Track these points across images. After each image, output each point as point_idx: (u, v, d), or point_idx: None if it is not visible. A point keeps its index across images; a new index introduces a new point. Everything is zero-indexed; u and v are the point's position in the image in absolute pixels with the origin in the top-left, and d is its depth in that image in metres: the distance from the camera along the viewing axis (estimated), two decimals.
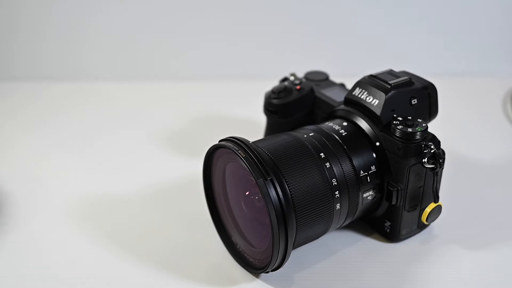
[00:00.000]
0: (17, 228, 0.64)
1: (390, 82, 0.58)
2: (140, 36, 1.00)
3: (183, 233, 0.63)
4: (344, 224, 0.58)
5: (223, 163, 0.58)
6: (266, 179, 0.50)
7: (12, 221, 0.65)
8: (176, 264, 0.59)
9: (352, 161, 0.56)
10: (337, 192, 0.55)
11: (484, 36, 1.02)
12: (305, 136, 0.57)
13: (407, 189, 0.57)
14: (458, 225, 0.63)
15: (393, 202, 0.57)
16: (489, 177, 0.72)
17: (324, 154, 0.55)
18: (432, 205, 0.58)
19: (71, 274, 0.58)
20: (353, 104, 0.61)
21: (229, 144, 0.54)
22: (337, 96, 0.66)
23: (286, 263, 0.53)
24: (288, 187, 0.52)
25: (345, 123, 0.60)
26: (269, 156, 0.53)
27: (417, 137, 0.55)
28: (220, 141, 0.56)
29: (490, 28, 1.01)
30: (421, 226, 0.61)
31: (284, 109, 0.68)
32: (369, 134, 0.58)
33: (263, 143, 0.56)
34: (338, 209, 0.55)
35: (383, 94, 0.58)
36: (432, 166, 0.56)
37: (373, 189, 0.58)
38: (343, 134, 0.58)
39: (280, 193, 0.50)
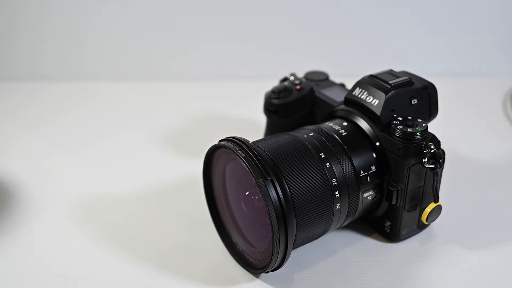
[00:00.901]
0: (17, 228, 0.64)
1: (390, 82, 0.58)
2: (140, 36, 1.00)
3: (183, 233, 0.63)
4: (344, 224, 0.58)
5: (223, 163, 0.58)
6: (266, 179, 0.50)
7: (12, 220, 0.65)
8: (176, 264, 0.59)
9: (352, 161, 0.56)
10: (337, 192, 0.55)
11: (484, 36, 1.02)
12: (305, 136, 0.57)
13: (407, 189, 0.57)
14: (458, 225, 0.63)
15: (393, 202, 0.57)
16: (489, 177, 0.72)
17: (324, 154, 0.55)
18: (432, 205, 0.58)
19: (71, 274, 0.58)
20: (353, 104, 0.61)
21: (229, 144, 0.54)
22: (337, 96, 0.66)
23: (286, 263, 0.53)
24: (288, 187, 0.52)
25: (345, 123, 0.60)
26: (269, 156, 0.53)
27: (417, 137, 0.55)
28: (220, 141, 0.56)
29: (490, 28, 1.01)
30: (421, 226, 0.61)
31: (284, 109, 0.68)
32: (369, 134, 0.58)
33: (263, 143, 0.56)
34: (338, 209, 0.55)
35: (383, 94, 0.58)
36: (432, 166, 0.56)
37: (373, 189, 0.58)
38: (343, 134, 0.58)
39: (280, 193, 0.50)
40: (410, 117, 0.57)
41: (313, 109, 0.68)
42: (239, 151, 0.52)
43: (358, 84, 0.61)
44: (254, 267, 0.56)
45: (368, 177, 0.57)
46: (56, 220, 0.65)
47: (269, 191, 0.50)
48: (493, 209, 0.66)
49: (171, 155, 0.78)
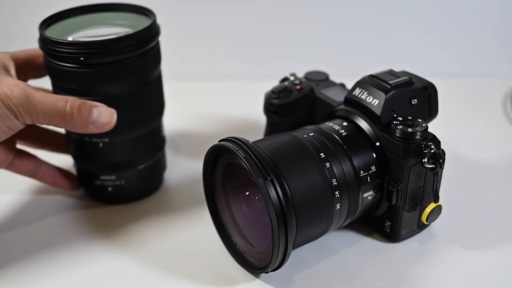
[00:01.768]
0: (17, 227, 0.64)
1: (390, 82, 0.58)
2: None
3: (183, 233, 0.63)
4: (344, 224, 0.58)
5: (223, 163, 0.58)
6: (266, 179, 0.50)
7: (12, 220, 0.65)
8: (176, 264, 0.59)
9: (352, 161, 0.56)
10: (337, 192, 0.54)
11: (484, 36, 1.02)
12: (305, 136, 0.57)
13: (407, 189, 0.57)
14: (458, 225, 0.63)
15: (393, 202, 0.57)
16: (489, 177, 0.72)
17: (324, 154, 0.55)
18: (432, 205, 0.58)
19: (71, 274, 0.58)
20: (353, 104, 0.61)
21: (229, 144, 0.54)
22: (337, 96, 0.66)
23: (286, 263, 0.53)
24: (288, 187, 0.52)
25: (345, 123, 0.60)
26: (269, 156, 0.53)
27: (417, 137, 0.55)
28: (220, 141, 0.56)
29: (490, 28, 1.01)
30: (421, 226, 0.61)
31: (284, 109, 0.68)
32: (369, 134, 0.58)
33: (263, 143, 0.56)
34: (338, 209, 0.55)
35: (383, 94, 0.58)
36: (432, 166, 0.55)
37: (373, 189, 0.57)
38: (343, 134, 0.58)
39: (280, 193, 0.50)
40: (410, 117, 0.57)
41: (313, 109, 0.68)
42: (239, 151, 0.52)
43: (358, 84, 0.61)
44: (254, 267, 0.56)
45: (368, 177, 0.57)
46: (56, 219, 0.65)
47: (269, 191, 0.50)
48: (493, 209, 0.66)
49: (171, 155, 0.77)
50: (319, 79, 0.72)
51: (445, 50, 1.03)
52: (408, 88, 0.59)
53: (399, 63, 0.73)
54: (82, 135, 0.62)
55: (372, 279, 0.57)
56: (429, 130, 0.57)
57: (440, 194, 0.59)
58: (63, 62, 0.58)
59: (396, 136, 0.56)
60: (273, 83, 0.75)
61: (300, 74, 0.74)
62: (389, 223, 0.60)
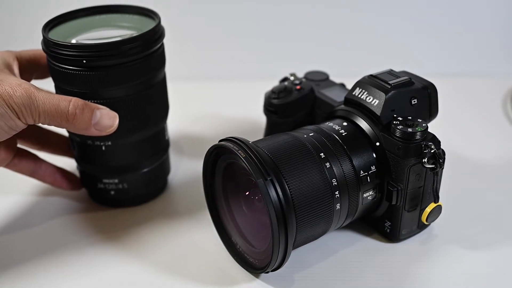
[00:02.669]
0: (19, 230, 0.64)
1: (390, 82, 0.58)
2: None
3: (183, 233, 0.63)
4: (344, 224, 0.58)
5: (223, 163, 0.58)
6: (266, 179, 0.50)
7: (15, 223, 0.65)
8: (176, 264, 0.59)
9: (352, 161, 0.56)
10: (337, 192, 0.54)
11: (484, 36, 1.02)
12: (305, 136, 0.57)
13: (407, 189, 0.57)
14: (458, 225, 0.63)
15: (393, 202, 0.57)
16: (489, 177, 0.72)
17: (324, 154, 0.55)
18: (432, 205, 0.58)
19: (71, 275, 0.58)
20: (353, 104, 0.61)
21: (229, 144, 0.54)
22: (337, 96, 0.66)
23: (286, 263, 0.53)
24: (288, 187, 0.52)
25: (345, 123, 0.60)
26: (269, 156, 0.53)
27: (417, 137, 0.55)
28: (220, 141, 0.56)
29: (490, 28, 1.01)
30: (421, 226, 0.61)
31: (284, 109, 0.68)
32: (369, 134, 0.58)
33: (263, 143, 0.56)
34: (338, 209, 0.55)
35: (383, 94, 0.58)
36: (432, 166, 0.55)
37: (373, 189, 0.57)
38: (343, 134, 0.58)
39: (280, 193, 0.50)
40: (410, 117, 0.57)
41: (313, 109, 0.68)
42: (239, 151, 0.52)
43: (358, 84, 0.61)
44: (254, 267, 0.56)
45: (368, 177, 0.57)
46: (56, 219, 0.65)
47: (269, 191, 0.50)
48: (493, 209, 0.66)
49: (171, 155, 0.77)
50: (319, 79, 0.72)
51: (445, 50, 1.03)
52: (408, 88, 0.59)
53: (399, 63, 0.73)
54: (85, 138, 0.62)
55: (372, 279, 0.57)
56: (429, 130, 0.57)
57: (440, 194, 0.59)
58: (66, 64, 0.58)
59: (396, 136, 0.56)
60: (273, 83, 0.75)
61: (300, 74, 0.74)
62: (389, 223, 0.60)
